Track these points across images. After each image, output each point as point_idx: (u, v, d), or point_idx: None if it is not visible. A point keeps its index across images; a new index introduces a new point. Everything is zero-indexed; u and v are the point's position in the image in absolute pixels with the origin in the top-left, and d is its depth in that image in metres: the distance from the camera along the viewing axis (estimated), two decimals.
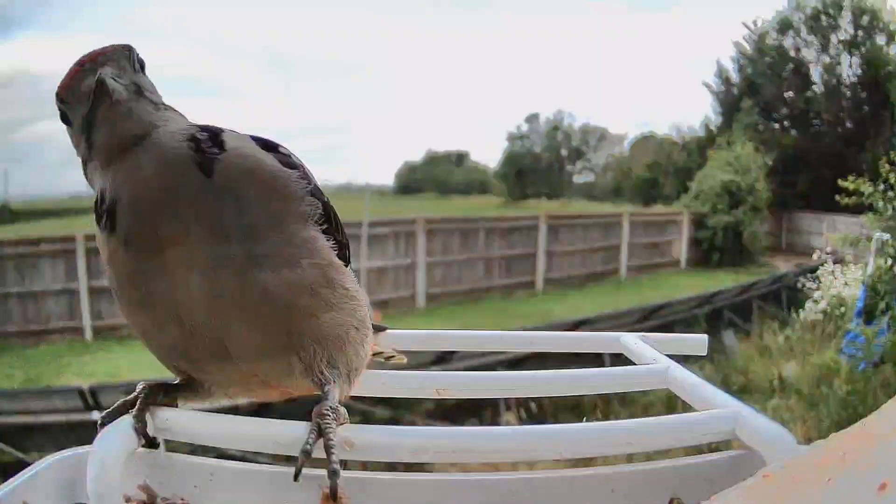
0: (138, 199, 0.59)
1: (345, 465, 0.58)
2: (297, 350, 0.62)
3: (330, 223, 0.65)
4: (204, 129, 0.62)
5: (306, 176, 0.64)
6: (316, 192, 0.64)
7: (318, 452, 0.57)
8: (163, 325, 0.61)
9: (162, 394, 0.65)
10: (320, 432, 0.57)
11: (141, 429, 0.60)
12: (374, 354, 0.79)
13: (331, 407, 0.60)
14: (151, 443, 0.61)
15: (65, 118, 0.65)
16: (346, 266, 0.67)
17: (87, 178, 0.65)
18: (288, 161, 0.64)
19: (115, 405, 0.64)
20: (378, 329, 0.87)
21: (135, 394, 0.64)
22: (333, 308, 0.64)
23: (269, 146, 0.64)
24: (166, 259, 0.58)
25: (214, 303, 0.59)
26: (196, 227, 0.58)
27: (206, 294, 0.59)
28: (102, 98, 0.60)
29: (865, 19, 19.10)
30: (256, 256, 0.59)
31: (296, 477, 0.56)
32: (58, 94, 0.64)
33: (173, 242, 0.58)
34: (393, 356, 0.92)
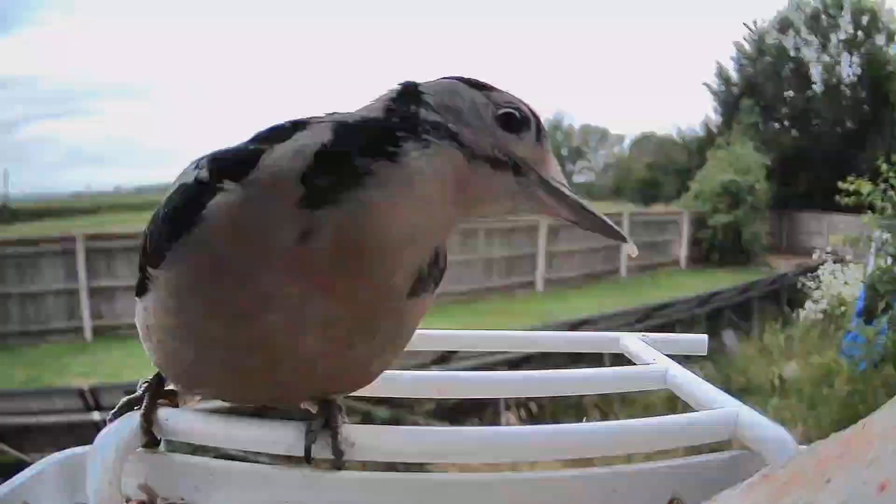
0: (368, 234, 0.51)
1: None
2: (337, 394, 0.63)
3: None
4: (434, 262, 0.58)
5: None
6: None
7: (324, 451, 0.57)
8: (222, 338, 0.54)
9: (163, 392, 0.65)
10: (327, 419, 0.58)
11: (147, 427, 0.60)
12: None
13: (337, 405, 0.61)
14: (153, 442, 0.61)
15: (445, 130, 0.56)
16: None
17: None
18: None
19: (121, 403, 0.64)
20: None
21: (139, 392, 0.63)
22: (391, 364, 0.65)
23: None
24: (302, 281, 0.51)
25: (313, 347, 0.54)
26: (369, 297, 0.53)
27: (317, 334, 0.53)
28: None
29: (865, 19, 19.13)
30: (375, 332, 0.57)
31: (306, 457, 0.56)
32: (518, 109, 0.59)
33: (330, 283, 0.52)
34: None
